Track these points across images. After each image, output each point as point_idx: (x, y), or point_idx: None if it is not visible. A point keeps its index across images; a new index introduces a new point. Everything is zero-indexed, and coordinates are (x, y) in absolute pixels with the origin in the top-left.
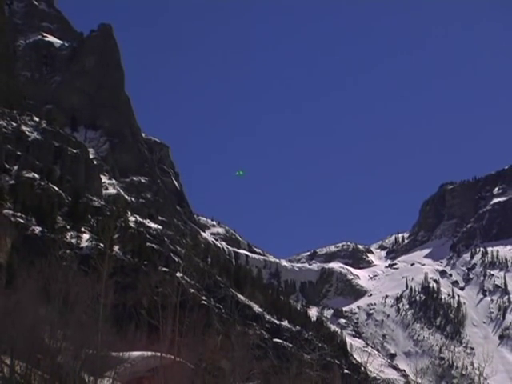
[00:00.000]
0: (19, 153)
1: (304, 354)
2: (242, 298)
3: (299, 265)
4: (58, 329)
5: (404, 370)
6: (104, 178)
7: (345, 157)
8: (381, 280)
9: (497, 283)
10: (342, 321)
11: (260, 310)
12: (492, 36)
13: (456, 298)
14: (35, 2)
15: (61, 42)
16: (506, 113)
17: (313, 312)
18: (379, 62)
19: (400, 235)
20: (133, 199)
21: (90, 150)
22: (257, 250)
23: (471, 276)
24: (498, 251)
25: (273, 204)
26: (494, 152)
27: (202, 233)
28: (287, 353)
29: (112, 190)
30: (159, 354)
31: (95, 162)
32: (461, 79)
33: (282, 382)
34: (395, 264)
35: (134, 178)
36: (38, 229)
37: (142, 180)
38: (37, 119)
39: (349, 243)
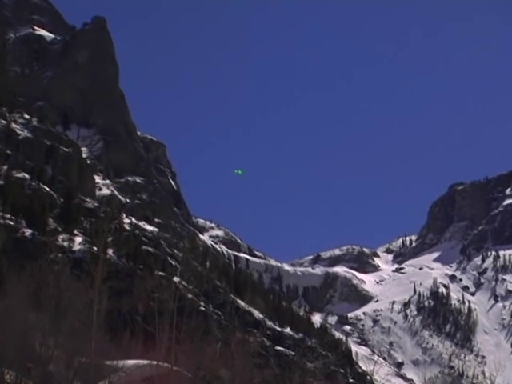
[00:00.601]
0: (9, 152)
1: (307, 363)
2: (242, 303)
3: (302, 269)
4: (49, 336)
5: (412, 380)
6: (98, 178)
7: (350, 156)
8: (387, 285)
9: (509, 288)
10: (347, 328)
11: (261, 316)
12: (504, 33)
13: (466, 303)
14: None
15: (52, 36)
16: None
17: (316, 318)
18: (387, 59)
19: (408, 238)
20: (128, 200)
21: (83, 148)
22: (258, 254)
23: (482, 281)
24: (510, 255)
25: (274, 205)
26: (506, 151)
27: (201, 235)
28: (289, 361)
29: (106, 191)
30: (155, 362)
31: (88, 162)
32: (472, 76)
33: None
34: (403, 268)
35: (129, 178)
36: (28, 231)
37: (138, 180)
38: (27, 117)
39: (354, 246)
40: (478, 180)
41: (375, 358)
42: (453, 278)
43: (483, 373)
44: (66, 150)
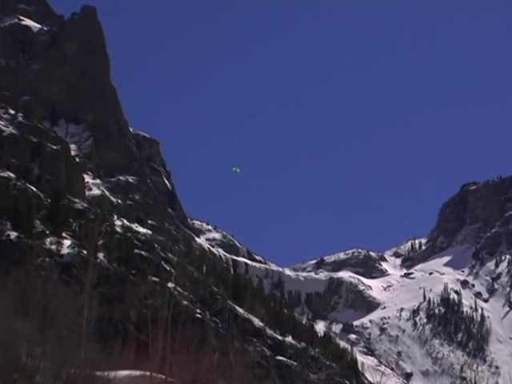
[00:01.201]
0: None
1: (310, 374)
2: (240, 311)
3: (305, 274)
4: (36, 345)
5: None
6: (87, 178)
7: (355, 156)
8: (395, 291)
9: None
10: (353, 336)
11: (261, 324)
12: None
13: (479, 311)
14: None
15: (39, 26)
16: None
17: (320, 327)
18: (399, 56)
19: (417, 241)
20: (119, 201)
21: (72, 146)
22: (257, 258)
23: (496, 287)
24: None
25: (275, 206)
26: None
27: (197, 238)
28: (291, 372)
29: (96, 191)
30: (149, 373)
31: (77, 160)
32: (487, 72)
33: None
34: (411, 273)
35: (121, 178)
36: (13, 234)
37: (130, 180)
38: (12, 112)
39: (360, 250)
40: (492, 179)
41: (382, 368)
42: (465, 283)
43: None
44: (54, 147)
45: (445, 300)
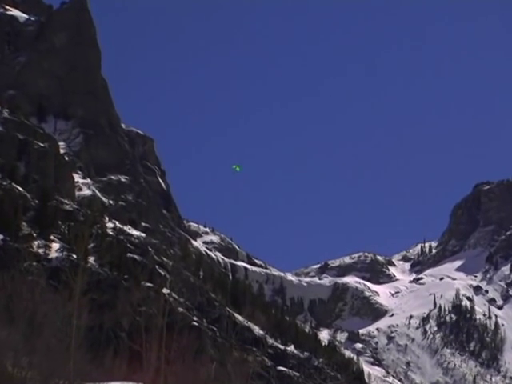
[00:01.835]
0: None
1: None
2: (240, 318)
3: (308, 279)
4: (22, 355)
5: None
6: (77, 177)
7: (362, 154)
8: (404, 297)
9: None
10: (359, 345)
11: (261, 332)
12: None
13: (493, 318)
14: None
15: (26, 17)
16: None
17: (324, 335)
18: (409, 55)
19: (427, 244)
20: (111, 202)
21: (61, 143)
22: (257, 262)
23: (511, 293)
24: None
25: (276, 208)
26: None
27: (193, 241)
28: (293, 383)
29: (86, 191)
30: None
31: (67, 158)
32: (499, 71)
33: None
34: (421, 278)
35: (113, 177)
36: None
37: (122, 179)
38: None
39: (366, 254)
40: (506, 179)
41: (390, 379)
42: (478, 289)
43: None
44: (42, 144)
45: (456, 307)
